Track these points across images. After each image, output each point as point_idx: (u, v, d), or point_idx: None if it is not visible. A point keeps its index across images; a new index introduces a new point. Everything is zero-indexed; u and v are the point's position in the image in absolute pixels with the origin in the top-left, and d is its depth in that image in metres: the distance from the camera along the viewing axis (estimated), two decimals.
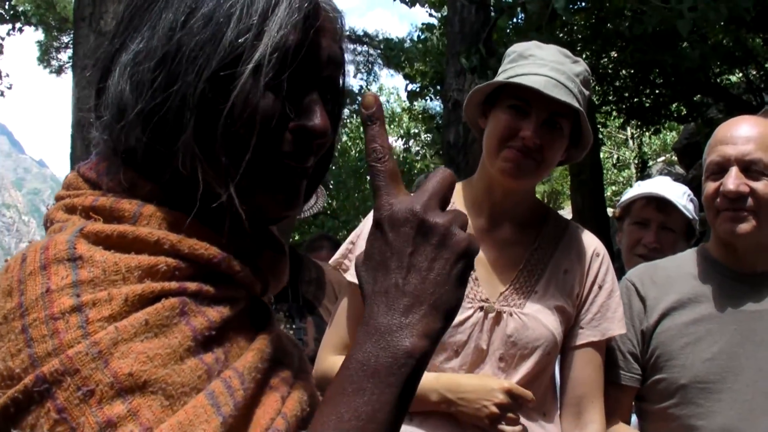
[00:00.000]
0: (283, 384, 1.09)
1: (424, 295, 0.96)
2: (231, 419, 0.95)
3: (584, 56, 11.08)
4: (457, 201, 2.38)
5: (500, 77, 2.28)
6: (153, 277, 0.99)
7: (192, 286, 1.02)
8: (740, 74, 13.17)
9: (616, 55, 11.14)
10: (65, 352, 0.90)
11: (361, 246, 2.37)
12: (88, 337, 0.91)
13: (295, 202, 1.12)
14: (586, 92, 2.28)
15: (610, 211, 13.29)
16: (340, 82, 1.17)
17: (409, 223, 0.98)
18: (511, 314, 2.25)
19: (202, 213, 1.05)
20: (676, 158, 18.69)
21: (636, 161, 25.81)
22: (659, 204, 3.37)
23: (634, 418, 2.70)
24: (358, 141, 28.23)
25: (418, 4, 12.04)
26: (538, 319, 2.25)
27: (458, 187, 2.44)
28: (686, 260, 2.62)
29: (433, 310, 0.97)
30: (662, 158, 24.68)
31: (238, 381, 0.99)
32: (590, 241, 2.41)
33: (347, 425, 0.93)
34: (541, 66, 2.21)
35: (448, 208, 1.01)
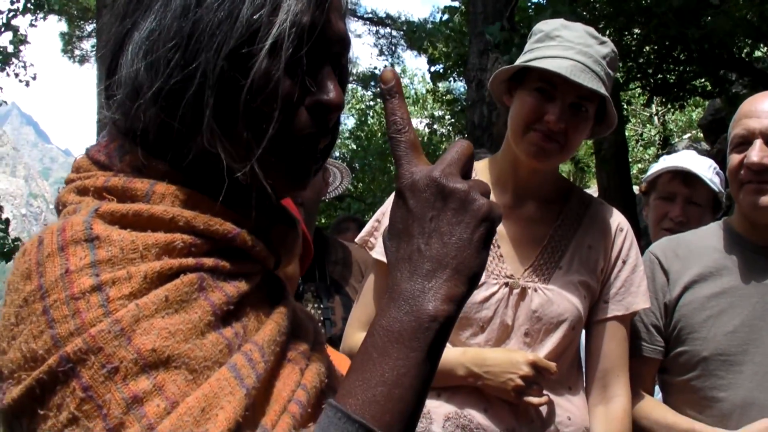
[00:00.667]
0: (301, 356, 1.10)
1: (446, 259, 0.97)
2: (254, 391, 0.96)
3: (607, 33, 10.99)
4: (483, 178, 2.39)
5: (526, 57, 2.28)
6: (170, 254, 1.00)
7: (208, 261, 1.03)
8: (765, 49, 13.03)
9: (639, 31, 11.03)
10: (88, 330, 0.90)
11: (386, 223, 2.40)
12: (109, 315, 0.92)
13: (306, 179, 1.13)
14: (612, 73, 2.28)
15: (635, 188, 13.21)
16: (345, 59, 1.17)
17: (429, 189, 0.99)
18: (535, 290, 2.27)
19: (215, 190, 1.06)
20: (701, 134, 18.51)
21: (658, 138, 25.57)
22: (685, 178, 3.35)
23: (657, 391, 2.72)
24: (384, 124, 28.08)
25: None
26: (562, 294, 2.27)
27: (483, 164, 2.46)
28: (709, 234, 2.63)
29: (456, 274, 0.97)
30: (688, 135, 24.44)
31: (258, 354, 1.00)
32: (614, 217, 2.42)
33: (374, 390, 0.94)
34: (568, 49, 2.21)
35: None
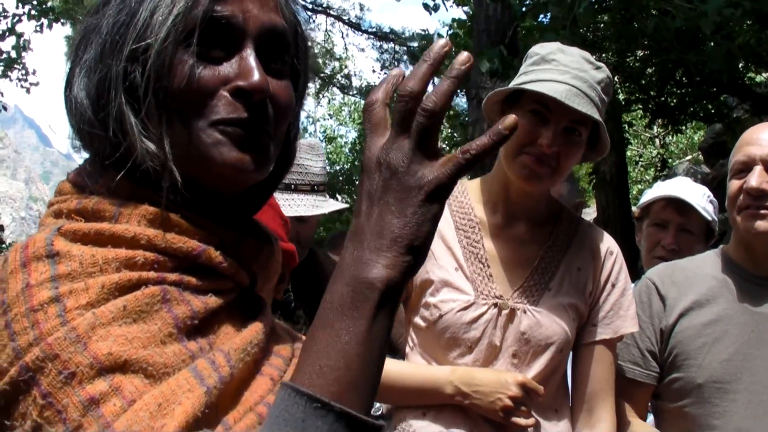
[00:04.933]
0: (275, 370, 1.10)
1: (385, 230, 0.93)
2: (216, 391, 0.95)
3: (609, 55, 11.00)
4: (474, 198, 2.41)
5: (521, 79, 2.28)
6: (131, 269, 1.01)
7: (172, 276, 1.04)
8: (766, 74, 13.04)
9: (641, 53, 11.03)
10: (45, 339, 0.93)
11: None
12: (66, 324, 0.94)
13: (248, 164, 1.11)
14: (607, 99, 2.28)
15: (635, 209, 13.18)
16: (288, 53, 1.19)
17: (376, 167, 0.95)
18: (524, 311, 2.27)
19: (189, 202, 1.09)
20: (701, 157, 18.52)
21: (658, 160, 25.57)
22: (678, 206, 3.35)
23: (650, 417, 2.71)
24: None
25: (443, 6, 11.94)
26: (551, 316, 2.27)
27: (475, 183, 2.46)
28: (706, 261, 2.63)
29: (395, 244, 0.93)
30: (688, 157, 24.45)
31: (223, 359, 1.00)
32: (604, 240, 2.43)
33: (319, 362, 0.91)
34: (563, 73, 2.20)
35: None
